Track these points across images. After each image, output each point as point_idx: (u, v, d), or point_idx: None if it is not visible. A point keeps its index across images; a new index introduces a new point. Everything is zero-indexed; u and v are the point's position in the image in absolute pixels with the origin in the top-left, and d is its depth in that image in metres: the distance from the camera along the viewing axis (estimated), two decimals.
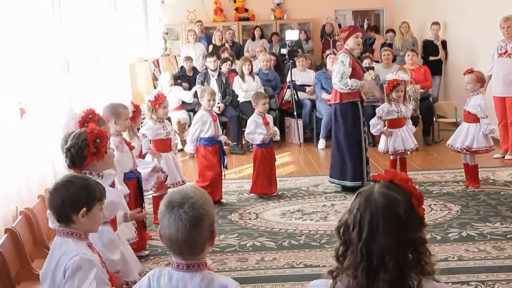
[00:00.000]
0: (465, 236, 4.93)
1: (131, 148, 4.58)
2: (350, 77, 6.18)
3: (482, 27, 8.67)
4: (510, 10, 7.46)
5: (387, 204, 1.74)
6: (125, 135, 4.76)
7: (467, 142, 6.16)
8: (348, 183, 6.35)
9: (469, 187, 6.31)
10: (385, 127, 6.57)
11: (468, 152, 6.23)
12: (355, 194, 1.83)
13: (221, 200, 6.21)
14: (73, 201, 2.54)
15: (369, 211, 1.74)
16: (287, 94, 9.37)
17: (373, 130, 6.74)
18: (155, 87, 9.77)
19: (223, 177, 6.29)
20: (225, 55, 10.13)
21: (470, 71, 6.22)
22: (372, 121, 6.65)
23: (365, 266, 1.72)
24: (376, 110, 6.70)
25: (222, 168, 6.20)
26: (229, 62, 9.63)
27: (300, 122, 9.25)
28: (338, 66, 6.22)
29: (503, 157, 7.59)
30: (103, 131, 3.38)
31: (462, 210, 5.64)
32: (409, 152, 6.60)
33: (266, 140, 6.28)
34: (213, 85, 8.95)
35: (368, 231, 1.72)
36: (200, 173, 6.20)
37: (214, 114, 6.20)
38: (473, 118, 6.16)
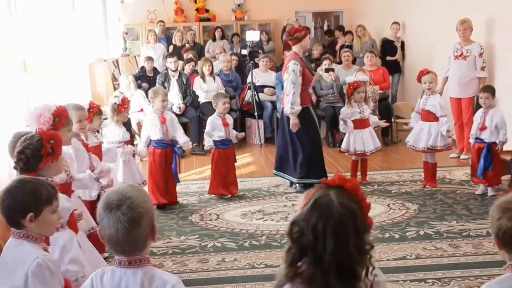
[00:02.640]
0: (423, 235, 5.03)
1: (88, 149, 4.52)
2: (302, 83, 6.18)
3: (439, 29, 8.85)
4: (466, 13, 7.64)
5: (348, 216, 1.76)
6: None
7: (430, 141, 6.28)
8: (315, 181, 6.39)
9: (426, 187, 6.43)
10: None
11: (433, 151, 6.35)
12: (311, 201, 1.82)
13: (177, 202, 6.17)
14: (19, 207, 2.49)
15: (327, 222, 1.75)
16: (248, 95, 9.39)
17: (342, 129, 6.87)
18: (114, 88, 9.67)
19: (177, 179, 6.21)
20: (188, 55, 10.09)
21: (429, 71, 6.34)
22: (341, 125, 6.75)
23: (324, 275, 1.75)
24: (341, 114, 6.76)
25: (175, 170, 6.13)
26: (192, 63, 9.59)
27: (261, 122, 9.27)
28: (289, 75, 6.19)
29: (459, 156, 7.76)
30: (56, 133, 3.33)
31: (420, 209, 5.74)
32: (368, 154, 6.67)
33: (211, 148, 6.28)
34: (174, 85, 8.91)
35: (323, 240, 1.75)
36: (151, 175, 6.11)
37: (164, 116, 6.10)
38: (433, 117, 6.29)
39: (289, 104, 6.18)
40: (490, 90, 6.02)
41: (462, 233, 5.00)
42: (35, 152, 3.10)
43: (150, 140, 6.05)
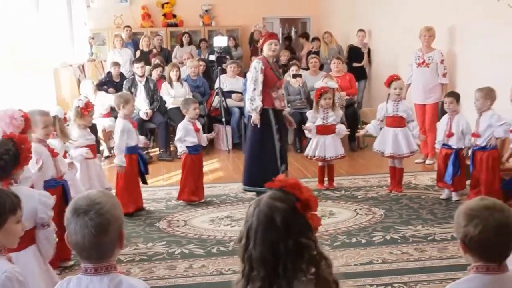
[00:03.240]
0: (389, 239, 5.08)
1: (54, 154, 4.45)
2: (264, 84, 6.20)
3: (404, 36, 8.99)
4: (429, 22, 7.78)
5: (267, 213, 1.78)
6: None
7: (397, 147, 6.36)
8: (259, 189, 6.35)
9: (392, 192, 6.51)
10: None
11: (401, 157, 6.43)
12: (248, 214, 1.86)
13: (144, 208, 6.12)
14: None
15: (254, 222, 1.79)
16: (216, 100, 9.38)
17: (307, 134, 6.89)
18: (80, 93, 9.54)
19: (142, 184, 6.17)
20: (156, 61, 10.04)
21: (399, 77, 6.43)
22: (305, 127, 6.81)
23: (247, 275, 1.78)
24: (307, 114, 6.84)
25: (142, 176, 6.09)
26: (160, 68, 9.54)
27: (228, 128, 9.27)
28: (251, 72, 6.26)
29: (424, 162, 7.88)
30: (25, 136, 3.29)
31: (386, 214, 5.80)
32: (330, 159, 6.70)
33: (185, 153, 6.24)
34: (141, 91, 8.85)
35: (252, 241, 1.78)
36: (118, 180, 6.02)
37: (134, 121, 6.09)
38: (401, 123, 6.37)
39: (249, 100, 6.22)
40: (454, 95, 6.14)
41: (428, 238, 5.07)
42: (13, 158, 3.06)
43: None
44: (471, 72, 7.38)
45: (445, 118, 6.18)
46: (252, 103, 6.18)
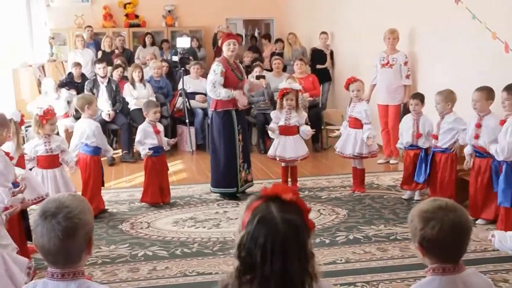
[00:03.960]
0: (352, 239, 5.13)
1: (10, 158, 4.35)
2: (225, 86, 6.24)
3: (366, 38, 9.11)
4: (390, 24, 7.90)
5: (293, 233, 1.71)
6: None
7: (357, 148, 6.42)
8: (221, 190, 6.43)
9: (355, 192, 6.58)
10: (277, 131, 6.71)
11: (360, 158, 6.50)
12: (255, 219, 1.74)
13: (106, 210, 6.05)
14: None
15: (278, 240, 1.69)
16: (179, 101, 9.32)
17: (270, 135, 6.90)
18: (40, 93, 9.38)
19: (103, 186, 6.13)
20: (117, 61, 9.92)
21: (356, 79, 6.49)
22: (269, 128, 6.82)
23: None
24: (270, 114, 6.90)
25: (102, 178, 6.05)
26: (120, 69, 9.44)
27: (192, 129, 9.23)
28: (210, 75, 6.30)
29: (387, 162, 7.99)
30: None
31: (349, 214, 5.86)
32: (290, 160, 6.72)
33: (148, 154, 6.19)
34: (103, 92, 8.74)
35: (281, 260, 1.69)
36: (82, 182, 5.97)
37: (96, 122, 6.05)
38: (359, 124, 6.44)
39: (216, 97, 6.25)
40: (419, 97, 6.24)
41: (390, 237, 5.14)
42: None
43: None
44: (431, 74, 7.52)
45: (409, 119, 6.25)
46: (219, 95, 6.21)
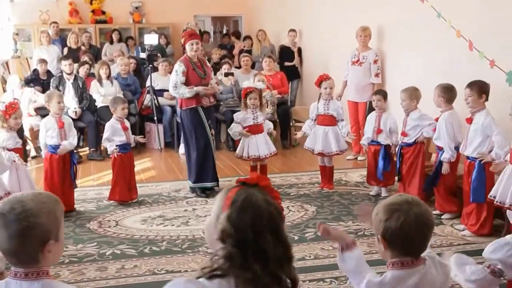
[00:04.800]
0: (321, 235, 5.14)
1: None
2: (187, 85, 6.24)
3: (334, 36, 9.17)
4: (358, 22, 7.96)
5: (276, 213, 1.77)
6: None
7: (327, 145, 6.46)
8: (208, 184, 6.45)
9: (324, 189, 6.62)
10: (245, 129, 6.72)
11: (331, 155, 6.54)
12: (237, 202, 1.76)
13: (75, 209, 5.98)
14: None
15: (266, 221, 1.73)
16: (147, 99, 9.25)
17: (231, 133, 6.89)
18: (4, 90, 9.21)
19: (76, 184, 6.05)
20: (84, 58, 9.79)
21: (329, 77, 6.53)
22: (229, 129, 6.84)
23: (255, 271, 1.71)
24: (234, 116, 6.88)
25: (74, 176, 5.96)
26: (87, 66, 9.31)
27: (160, 127, 9.17)
28: (172, 75, 6.35)
29: (355, 158, 8.06)
30: None
31: (318, 210, 5.90)
32: (263, 158, 6.73)
33: (115, 152, 6.13)
34: (69, 89, 8.61)
35: (272, 238, 1.73)
36: (46, 181, 5.88)
37: (62, 120, 5.93)
38: (331, 121, 6.48)
39: (180, 96, 6.30)
40: (381, 93, 6.33)
41: (358, 233, 5.19)
42: None
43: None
44: (399, 71, 7.60)
45: (372, 115, 6.34)
46: (182, 95, 6.26)
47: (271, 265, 1.73)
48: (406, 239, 2.12)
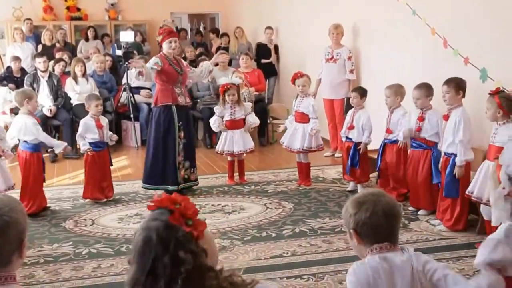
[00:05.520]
0: (298, 232, 5.17)
1: None
2: (165, 80, 6.18)
3: (311, 34, 9.19)
4: (334, 19, 8.00)
5: (145, 235, 1.71)
6: None
7: (304, 142, 6.48)
8: (169, 187, 6.28)
9: (301, 186, 6.64)
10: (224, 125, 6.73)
11: (307, 152, 6.55)
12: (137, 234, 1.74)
13: (49, 207, 5.91)
14: None
15: (136, 245, 1.71)
16: (124, 96, 9.19)
17: (213, 127, 6.90)
18: None
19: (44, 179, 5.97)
20: (62, 55, 9.67)
21: (302, 74, 6.55)
22: (211, 120, 6.84)
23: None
24: (214, 109, 6.91)
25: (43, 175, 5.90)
26: (63, 63, 9.20)
27: (137, 125, 9.11)
28: (147, 65, 6.25)
29: (333, 155, 8.10)
30: None
31: (295, 207, 5.91)
32: (238, 153, 6.75)
33: (88, 150, 6.08)
34: (44, 87, 8.51)
35: (136, 264, 1.70)
36: (22, 179, 5.80)
37: (37, 118, 5.88)
38: (306, 119, 6.50)
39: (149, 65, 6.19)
40: (358, 90, 6.37)
41: (335, 229, 5.21)
42: None
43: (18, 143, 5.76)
44: (373, 69, 7.65)
45: (350, 112, 6.39)
46: (151, 62, 6.18)
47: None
48: (377, 228, 2.19)
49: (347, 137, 6.29)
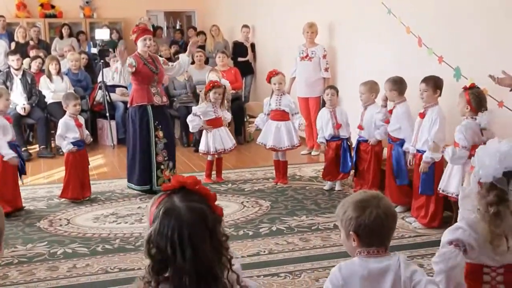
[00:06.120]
0: (275, 230, 5.18)
1: None
2: (140, 80, 6.17)
3: (287, 32, 9.21)
4: (310, 17, 8.03)
5: (199, 220, 1.74)
6: None
7: (280, 140, 6.49)
8: (135, 187, 6.31)
9: (278, 184, 6.65)
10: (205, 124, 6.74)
11: (282, 150, 6.56)
12: (159, 213, 1.75)
13: (23, 207, 5.81)
14: None
15: (185, 230, 1.71)
16: (99, 95, 9.11)
17: (190, 127, 6.88)
18: None
19: (21, 184, 5.88)
20: (39, 53, 9.54)
21: (278, 72, 6.55)
22: (188, 118, 6.81)
23: (193, 282, 1.72)
24: (193, 108, 6.87)
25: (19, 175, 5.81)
26: (39, 60, 9.07)
27: (113, 123, 9.05)
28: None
29: (309, 153, 8.13)
30: None
31: (272, 205, 5.91)
32: (228, 151, 6.77)
33: (73, 150, 6.02)
34: (17, 85, 8.39)
35: (191, 250, 1.70)
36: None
37: (10, 116, 5.78)
38: (284, 116, 6.51)
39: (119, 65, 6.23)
40: (334, 88, 6.42)
41: (312, 227, 5.23)
42: None
43: None
44: (350, 67, 7.69)
45: (325, 112, 6.36)
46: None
47: (193, 276, 1.71)
48: (379, 231, 2.22)
49: (333, 137, 6.28)
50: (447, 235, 2.53)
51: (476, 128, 4.56)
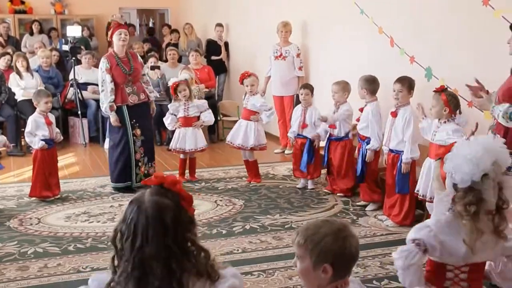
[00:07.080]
0: (249, 229, 5.19)
1: None
2: (114, 82, 6.14)
3: (261, 31, 9.22)
4: (284, 17, 8.05)
5: (157, 213, 1.79)
6: None
7: (247, 140, 6.49)
8: (116, 185, 6.37)
9: (251, 182, 6.66)
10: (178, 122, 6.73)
11: (249, 149, 6.57)
12: (129, 202, 1.86)
13: None
14: None
15: (142, 220, 1.78)
16: (71, 92, 9.00)
17: (168, 126, 6.90)
18: None
19: None
20: (8, 50, 9.38)
21: (250, 74, 6.56)
22: (165, 119, 6.83)
23: (136, 275, 1.77)
24: (168, 106, 6.90)
25: None
26: (8, 57, 8.92)
27: (85, 121, 8.95)
28: (99, 72, 6.25)
29: (283, 152, 8.16)
30: None
31: (246, 204, 5.92)
32: (190, 151, 6.74)
33: (45, 147, 5.94)
34: None
35: (140, 240, 1.77)
36: None
37: None
38: (253, 116, 6.51)
39: (102, 104, 6.25)
40: (309, 87, 6.44)
41: (285, 226, 5.25)
42: None
43: None
44: (323, 66, 7.74)
45: (298, 109, 6.43)
46: (103, 105, 6.23)
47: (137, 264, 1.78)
48: (353, 261, 2.11)
49: (299, 134, 6.33)
50: (413, 232, 2.57)
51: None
